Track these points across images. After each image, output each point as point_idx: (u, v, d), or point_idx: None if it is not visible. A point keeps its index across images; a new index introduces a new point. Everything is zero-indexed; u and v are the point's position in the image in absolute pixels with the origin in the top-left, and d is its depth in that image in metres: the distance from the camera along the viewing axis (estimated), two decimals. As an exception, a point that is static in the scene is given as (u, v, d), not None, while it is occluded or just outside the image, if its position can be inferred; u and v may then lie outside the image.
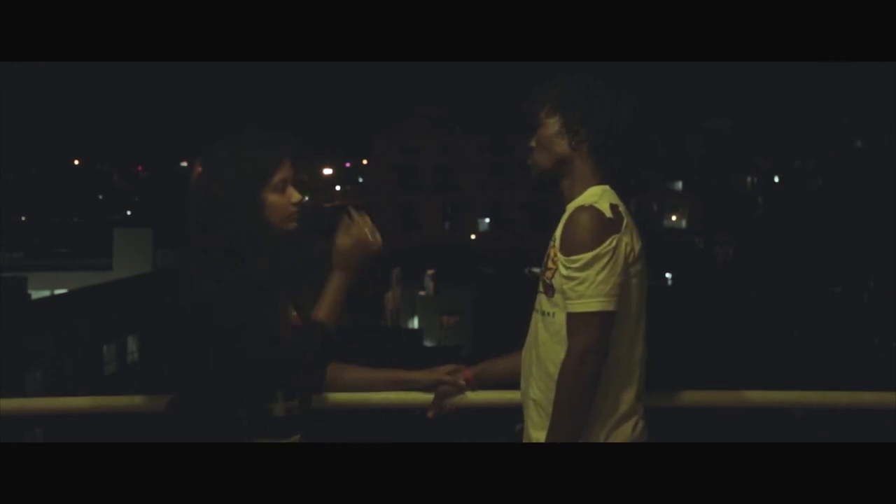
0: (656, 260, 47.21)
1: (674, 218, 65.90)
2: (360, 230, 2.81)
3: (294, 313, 2.75)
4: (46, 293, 29.85)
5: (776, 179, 66.85)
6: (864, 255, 43.30)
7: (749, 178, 67.82)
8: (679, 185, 67.61)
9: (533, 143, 2.95)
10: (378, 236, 2.84)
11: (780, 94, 70.86)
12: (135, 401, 3.26)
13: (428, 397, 3.15)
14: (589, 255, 2.73)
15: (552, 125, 2.88)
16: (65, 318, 25.56)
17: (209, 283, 2.62)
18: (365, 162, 65.09)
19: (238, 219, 2.65)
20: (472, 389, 3.16)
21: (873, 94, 61.80)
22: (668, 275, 48.43)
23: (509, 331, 3.40)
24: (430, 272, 44.65)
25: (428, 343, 37.33)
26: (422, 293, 44.29)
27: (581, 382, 2.70)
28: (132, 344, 28.69)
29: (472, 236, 61.12)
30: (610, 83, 2.91)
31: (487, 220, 62.18)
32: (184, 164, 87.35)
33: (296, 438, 2.75)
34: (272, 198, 2.71)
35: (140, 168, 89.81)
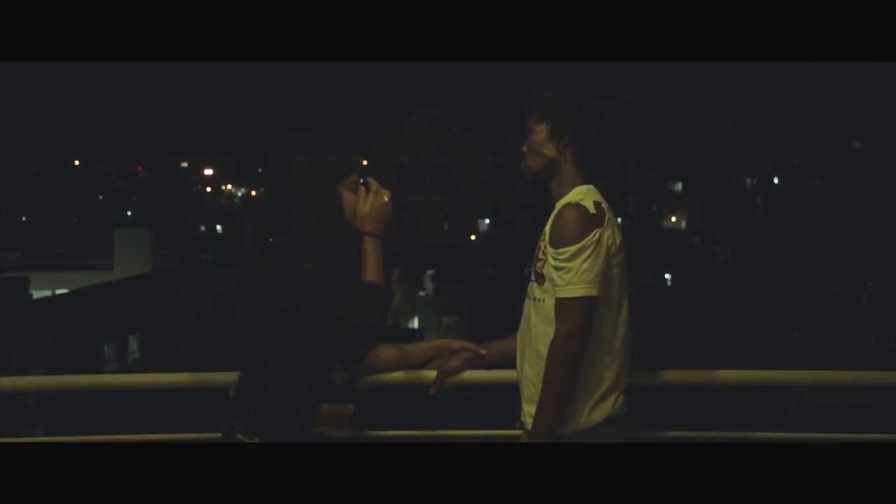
0: (656, 260, 47.30)
1: (673, 219, 65.91)
2: (376, 195, 3.18)
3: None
4: (48, 293, 29.92)
5: (775, 180, 66.81)
6: (862, 255, 43.30)
7: (749, 179, 67.79)
8: (679, 185, 67.60)
9: (525, 148, 3.28)
10: (388, 195, 3.22)
11: (779, 95, 70.83)
12: (198, 377, 3.57)
13: (430, 375, 3.47)
14: (574, 247, 3.06)
15: (541, 132, 3.22)
16: (66, 318, 25.59)
17: (285, 269, 2.98)
18: (364, 162, 65.07)
19: (320, 210, 3.03)
20: (473, 367, 3.49)
21: (873, 95, 61.76)
22: (667, 275, 48.43)
23: (509, 330, 3.56)
24: (429, 272, 44.65)
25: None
26: (421, 293, 44.29)
27: (567, 360, 3.03)
28: (133, 343, 28.72)
29: (472, 237, 61.11)
30: (596, 92, 3.21)
31: (487, 220, 62.19)
32: (184, 164, 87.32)
33: (351, 407, 3.09)
34: (348, 194, 3.10)
35: (140, 168, 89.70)
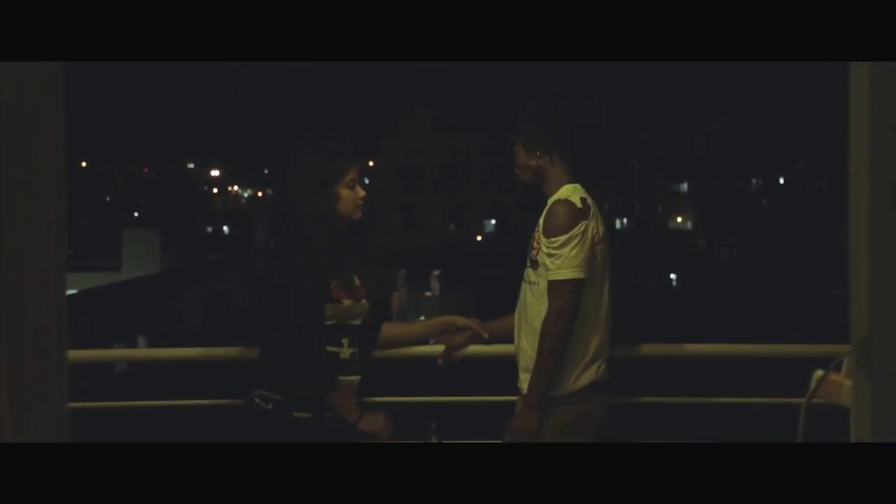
0: (661, 261, 47.06)
1: (679, 219, 65.73)
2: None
3: (334, 283, 3.51)
4: (56, 293, 29.86)
5: (781, 181, 66.54)
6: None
7: (754, 180, 67.56)
8: (684, 186, 67.38)
9: (516, 168, 3.78)
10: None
11: (783, 95, 70.36)
12: (230, 351, 4.00)
13: (438, 349, 3.97)
14: (564, 236, 3.52)
15: (520, 151, 3.72)
16: (75, 318, 25.68)
17: (290, 258, 3.40)
18: (371, 164, 64.90)
19: (318, 208, 3.46)
20: (476, 342, 3.94)
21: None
22: (672, 275, 48.33)
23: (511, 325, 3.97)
24: (435, 273, 44.60)
25: (433, 342, 37.06)
26: (427, 294, 44.19)
27: (558, 333, 3.50)
28: (141, 343, 28.77)
29: (478, 237, 61.03)
30: (568, 99, 3.73)
31: (493, 221, 62.10)
32: (190, 165, 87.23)
33: (356, 378, 3.50)
34: (345, 192, 3.52)
35: (146, 170, 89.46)
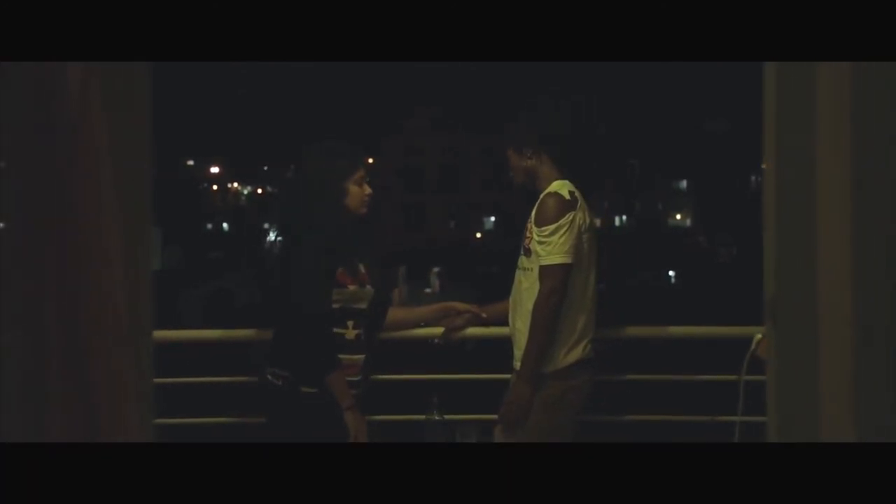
0: (660, 259, 47.01)
1: (678, 217, 65.74)
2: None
3: (341, 269, 3.78)
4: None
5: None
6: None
7: (754, 178, 67.55)
8: (684, 184, 67.39)
9: (511, 173, 4.13)
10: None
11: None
12: (249, 333, 4.35)
13: (439, 331, 4.28)
14: (553, 225, 3.85)
15: (512, 156, 4.08)
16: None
17: (300, 249, 3.70)
18: (370, 161, 64.62)
19: (328, 201, 3.75)
20: (474, 325, 4.27)
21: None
22: (671, 273, 48.35)
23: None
24: (435, 270, 44.62)
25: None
26: (427, 291, 44.17)
27: (548, 313, 3.81)
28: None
29: (478, 234, 61.08)
30: (552, 103, 4.02)
31: (493, 218, 62.11)
32: (190, 163, 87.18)
33: (361, 357, 3.80)
34: (353, 188, 3.81)
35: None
